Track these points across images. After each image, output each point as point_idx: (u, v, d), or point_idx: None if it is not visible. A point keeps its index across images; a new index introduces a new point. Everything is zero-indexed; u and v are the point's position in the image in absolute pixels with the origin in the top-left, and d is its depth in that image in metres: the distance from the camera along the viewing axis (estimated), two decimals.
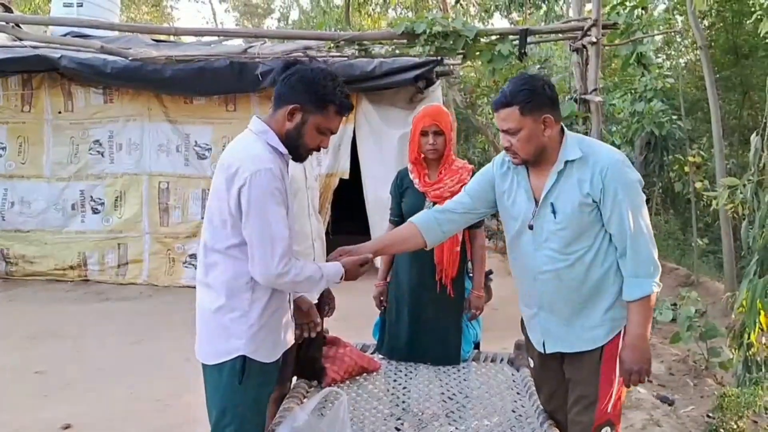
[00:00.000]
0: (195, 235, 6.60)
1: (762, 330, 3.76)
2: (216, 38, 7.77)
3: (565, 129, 2.10)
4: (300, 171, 2.58)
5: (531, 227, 2.10)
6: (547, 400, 2.37)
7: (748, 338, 3.82)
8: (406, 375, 2.91)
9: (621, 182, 1.97)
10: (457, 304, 3.01)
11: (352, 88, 6.40)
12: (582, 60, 5.62)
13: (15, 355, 4.63)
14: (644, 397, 4.02)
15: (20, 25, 7.11)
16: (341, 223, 9.15)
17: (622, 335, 2.07)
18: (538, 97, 1.99)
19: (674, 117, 8.43)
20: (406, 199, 3.02)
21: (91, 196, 7.06)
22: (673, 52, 12.98)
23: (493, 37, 5.72)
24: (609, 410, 2.09)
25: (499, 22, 15.51)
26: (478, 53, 5.75)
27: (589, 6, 7.12)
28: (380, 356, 3.10)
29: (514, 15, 14.34)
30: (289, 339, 2.11)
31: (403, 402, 2.63)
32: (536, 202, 2.10)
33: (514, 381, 2.85)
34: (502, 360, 3.09)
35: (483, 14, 14.81)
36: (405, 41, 5.82)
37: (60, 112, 7.08)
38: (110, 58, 6.56)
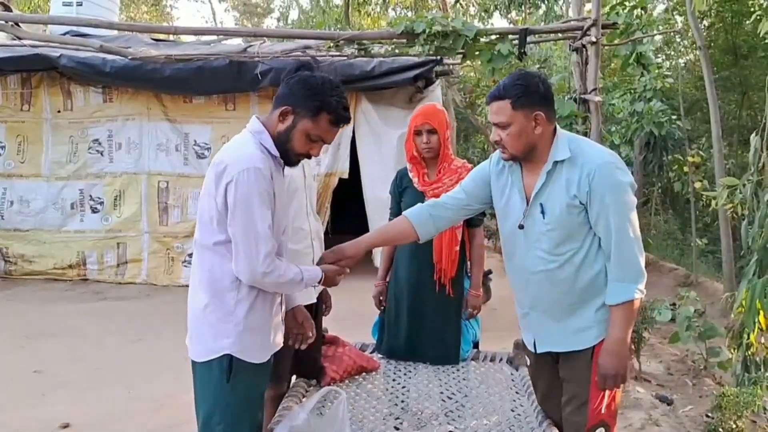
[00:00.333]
0: (194, 235, 6.60)
1: (761, 330, 3.76)
2: (215, 37, 7.77)
3: (558, 129, 2.09)
4: (299, 170, 2.58)
5: (521, 227, 2.10)
6: (543, 399, 2.36)
7: (747, 338, 3.82)
8: (405, 374, 2.91)
9: (608, 185, 1.95)
10: (456, 303, 3.01)
11: (352, 88, 6.43)
12: (581, 60, 5.61)
13: (13, 354, 4.63)
14: (643, 397, 4.02)
15: (19, 24, 7.10)
16: (340, 223, 9.16)
17: None
18: (532, 93, 1.98)
19: (673, 117, 8.44)
20: (405, 199, 3.02)
21: (90, 196, 7.06)
22: (672, 52, 13.00)
23: (493, 37, 5.72)
24: (603, 411, 2.07)
25: (498, 21, 15.51)
26: (477, 53, 5.74)
27: (588, 6, 7.12)
28: (379, 356, 3.10)
29: (514, 15, 14.33)
30: (278, 341, 2.10)
31: (402, 401, 2.63)
32: (528, 201, 2.09)
33: (513, 380, 2.85)
34: (501, 359, 3.08)
35: (482, 14, 14.81)
36: (404, 41, 5.81)
37: (59, 111, 7.08)
38: (109, 57, 6.56)
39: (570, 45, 5.96)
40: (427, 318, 2.98)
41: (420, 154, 2.94)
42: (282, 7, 24.91)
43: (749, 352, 3.87)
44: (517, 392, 2.71)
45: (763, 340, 3.86)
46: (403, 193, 3.04)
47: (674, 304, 5.08)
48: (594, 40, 5.33)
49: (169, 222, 6.99)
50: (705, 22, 10.90)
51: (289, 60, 6.38)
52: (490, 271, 3.18)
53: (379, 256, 3.30)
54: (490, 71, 5.70)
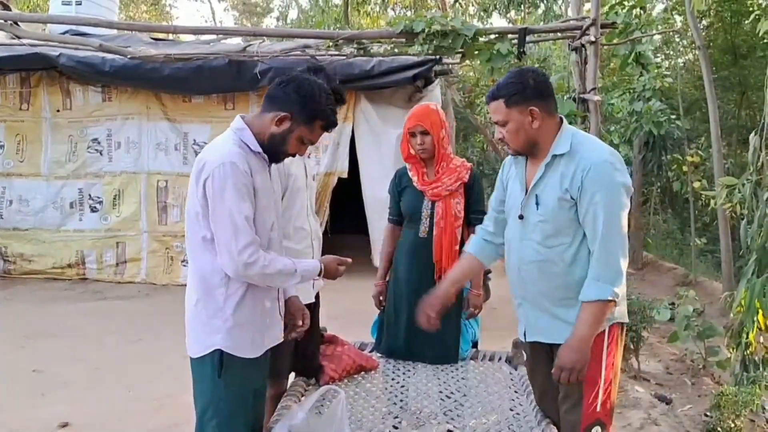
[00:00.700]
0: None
1: (760, 329, 3.77)
2: (215, 37, 7.78)
3: (566, 124, 2.11)
4: (301, 170, 2.59)
5: (521, 217, 2.14)
6: (540, 397, 2.38)
7: (746, 337, 3.83)
8: (404, 373, 2.91)
9: (601, 184, 1.96)
10: (455, 303, 3.00)
11: (351, 87, 6.43)
12: (581, 59, 5.62)
13: (12, 353, 4.62)
14: (642, 396, 4.02)
15: (19, 23, 7.10)
16: (340, 222, 9.17)
17: (606, 336, 2.08)
18: (524, 89, 2.02)
19: (673, 117, 8.42)
20: (404, 198, 3.02)
21: (90, 195, 7.05)
22: (671, 52, 12.99)
23: (492, 37, 5.72)
24: (598, 410, 2.07)
25: (497, 21, 15.47)
26: (476, 52, 5.75)
27: (587, 5, 7.13)
28: (378, 355, 3.10)
29: (513, 14, 14.33)
30: (273, 337, 2.12)
31: (401, 400, 2.63)
32: (526, 192, 2.14)
33: (512, 380, 2.85)
34: (500, 359, 3.09)
35: (482, 13, 14.79)
36: (404, 40, 5.82)
37: (58, 111, 7.08)
38: (109, 56, 6.56)
39: (569, 44, 5.97)
40: None
41: (417, 154, 2.94)
42: (281, 6, 24.89)
43: (748, 352, 3.88)
44: (515, 391, 2.71)
45: (761, 340, 3.87)
46: (402, 193, 3.04)
47: (673, 304, 5.09)
48: (593, 39, 5.34)
49: (168, 221, 6.99)
50: (704, 22, 10.88)
51: (289, 59, 6.39)
52: (489, 271, 3.17)
53: (378, 256, 3.30)
54: (489, 71, 5.71)
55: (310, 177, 2.66)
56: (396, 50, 6.22)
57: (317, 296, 2.72)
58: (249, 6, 26.42)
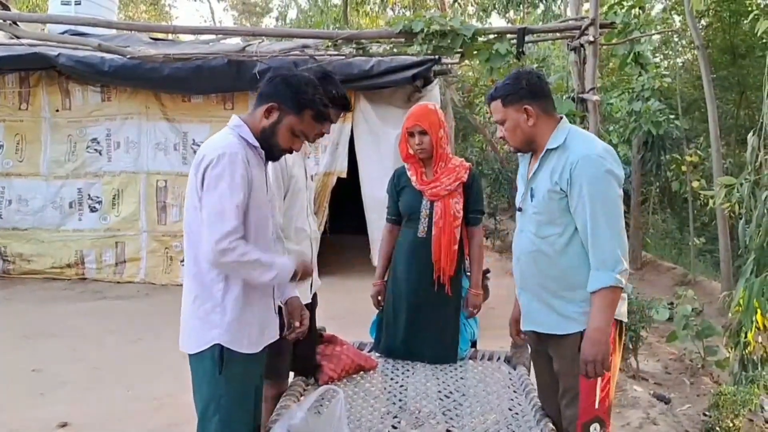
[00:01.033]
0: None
1: (758, 329, 3.78)
2: (214, 37, 7.78)
3: (564, 122, 2.20)
4: (301, 170, 2.59)
5: (520, 209, 2.29)
6: (540, 391, 2.43)
7: (745, 337, 3.84)
8: (403, 373, 2.91)
9: (589, 176, 2.04)
10: (454, 302, 3.01)
11: (350, 87, 6.42)
12: (579, 59, 5.62)
13: (12, 353, 4.62)
14: (641, 396, 4.03)
15: (18, 22, 7.10)
16: (339, 222, 9.16)
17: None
18: (519, 89, 2.15)
19: (671, 116, 8.42)
20: (403, 198, 3.02)
21: (89, 195, 7.05)
22: (670, 52, 12.99)
23: (491, 36, 5.72)
24: (596, 406, 2.10)
25: (496, 21, 15.47)
26: (475, 52, 5.75)
27: (586, 5, 7.12)
28: (377, 354, 3.10)
29: (512, 14, 14.33)
30: (271, 333, 2.13)
31: (400, 400, 2.63)
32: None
33: (510, 379, 2.85)
34: (499, 358, 3.09)
35: (481, 13, 14.79)
36: (403, 40, 5.82)
37: (57, 110, 7.07)
38: (108, 56, 6.55)
39: (568, 44, 5.97)
40: (426, 317, 2.97)
41: (415, 154, 2.95)
42: (280, 6, 24.88)
43: (746, 351, 3.89)
44: (514, 391, 2.71)
45: (760, 339, 3.88)
46: (401, 192, 3.04)
47: (672, 303, 5.10)
48: (592, 39, 5.34)
49: (168, 221, 6.99)
50: (703, 22, 10.89)
51: (288, 59, 6.39)
52: (488, 270, 3.18)
53: (377, 255, 3.29)
54: (488, 71, 5.70)
55: (308, 177, 2.67)
56: (395, 50, 6.22)
57: (314, 296, 2.72)
58: (248, 6, 26.40)
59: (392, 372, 2.92)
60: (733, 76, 11.40)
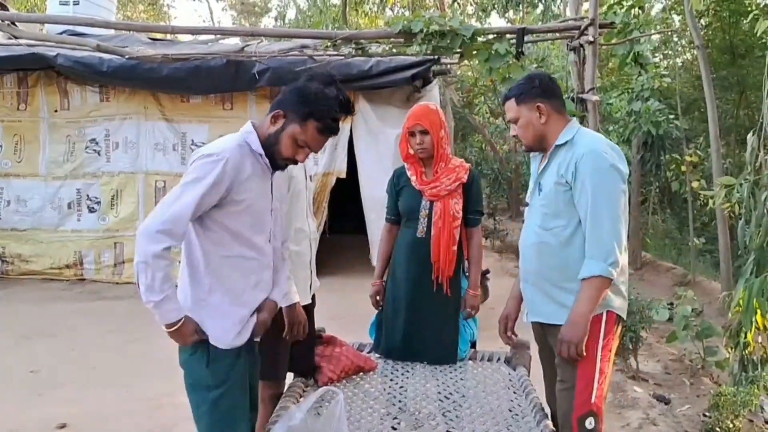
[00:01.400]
0: None
1: (758, 329, 3.77)
2: (213, 37, 7.77)
3: (574, 120, 2.30)
4: (301, 171, 2.58)
5: (527, 204, 2.41)
6: (548, 389, 2.48)
7: (745, 337, 3.83)
8: (402, 374, 2.90)
9: (592, 169, 2.12)
10: (454, 303, 3.00)
11: (349, 87, 6.41)
12: (579, 59, 5.62)
13: (10, 354, 4.62)
14: (640, 396, 4.02)
15: (16, 23, 7.09)
16: (338, 222, 9.16)
17: (602, 326, 2.17)
18: (532, 88, 2.27)
19: (671, 116, 8.43)
20: (402, 198, 3.01)
21: (88, 195, 7.05)
22: (670, 52, 12.99)
23: (491, 37, 5.71)
24: (593, 400, 2.14)
25: (496, 21, 15.47)
26: (475, 52, 5.74)
27: (586, 5, 7.12)
28: (377, 355, 3.09)
29: (511, 14, 14.33)
30: (256, 329, 2.10)
31: (400, 401, 2.62)
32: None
33: (510, 380, 2.84)
34: (498, 359, 3.08)
35: (480, 13, 14.79)
36: (402, 40, 5.81)
37: (56, 111, 7.07)
38: (106, 56, 6.55)
39: (567, 44, 5.97)
40: (425, 317, 2.97)
41: (416, 154, 2.94)
42: (279, 6, 24.88)
43: (746, 351, 3.88)
44: (514, 392, 2.70)
45: (760, 339, 3.87)
46: (401, 192, 3.03)
47: (672, 304, 5.09)
48: (591, 39, 5.33)
49: None
50: (702, 22, 10.89)
51: (287, 59, 6.39)
52: (487, 271, 3.17)
53: (376, 255, 3.29)
54: (488, 71, 5.69)
55: (308, 178, 2.66)
56: (394, 50, 6.21)
57: (313, 297, 2.72)
58: (247, 6, 26.39)
59: (392, 373, 2.91)
60: (733, 76, 11.40)
